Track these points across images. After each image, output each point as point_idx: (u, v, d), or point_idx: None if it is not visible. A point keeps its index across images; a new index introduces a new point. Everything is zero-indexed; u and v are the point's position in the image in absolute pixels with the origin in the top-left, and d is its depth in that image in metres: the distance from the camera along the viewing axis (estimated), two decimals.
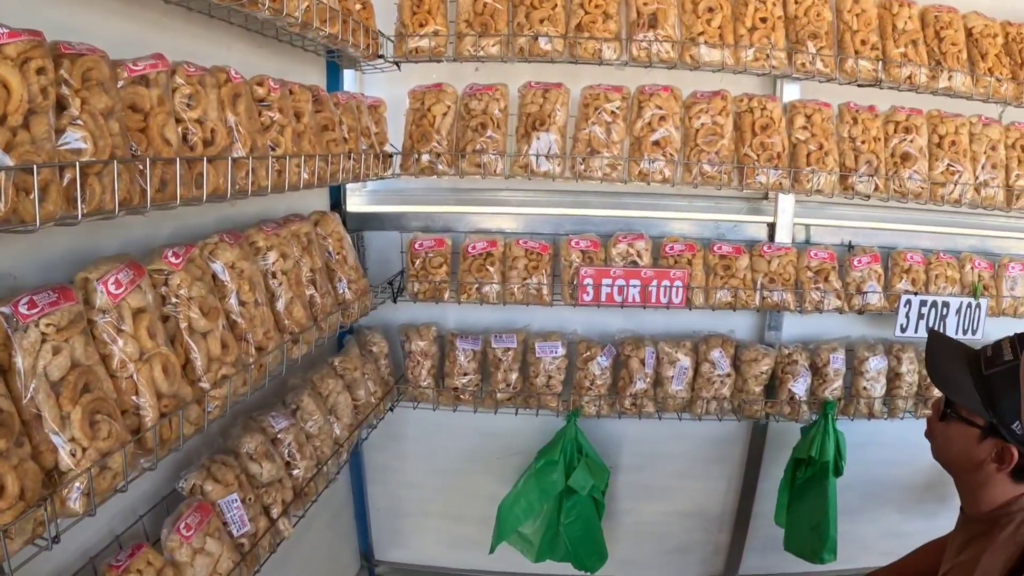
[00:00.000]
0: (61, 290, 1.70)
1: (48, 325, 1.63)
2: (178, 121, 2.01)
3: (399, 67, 3.83)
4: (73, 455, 1.63)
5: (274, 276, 2.63)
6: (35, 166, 1.45)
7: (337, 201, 4.09)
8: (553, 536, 4.01)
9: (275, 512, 2.69)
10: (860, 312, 3.93)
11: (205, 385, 2.11)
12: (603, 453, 4.12)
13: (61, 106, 1.62)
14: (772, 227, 4.10)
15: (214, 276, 2.30)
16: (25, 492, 1.50)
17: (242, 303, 2.35)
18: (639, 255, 3.80)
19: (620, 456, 4.42)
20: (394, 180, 3.84)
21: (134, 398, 1.84)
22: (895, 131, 3.78)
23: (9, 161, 1.42)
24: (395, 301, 3.97)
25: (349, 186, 4.11)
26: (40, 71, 1.54)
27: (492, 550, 4.09)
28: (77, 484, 1.64)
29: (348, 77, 4.07)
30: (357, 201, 4.28)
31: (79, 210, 1.58)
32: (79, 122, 1.61)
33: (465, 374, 4.05)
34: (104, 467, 1.70)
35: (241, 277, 2.38)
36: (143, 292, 1.92)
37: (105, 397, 1.72)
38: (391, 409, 4.06)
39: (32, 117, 1.51)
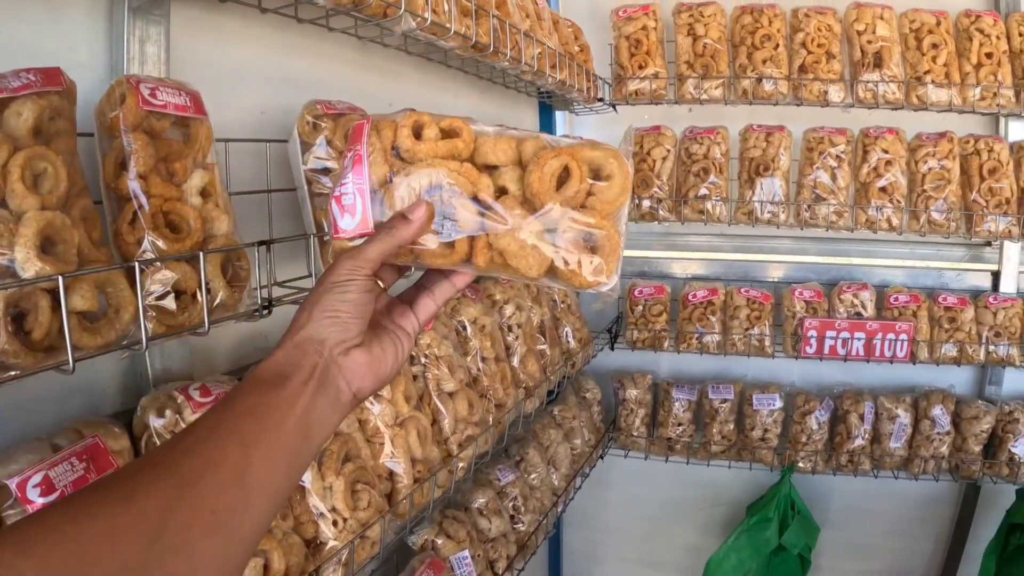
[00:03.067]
0: None
1: None
2: None
3: (615, 109, 3.78)
4: (335, 525, 1.60)
5: (510, 330, 2.62)
6: (310, 235, 1.42)
7: None
8: None
9: (500, 567, 2.65)
10: None
11: (452, 447, 2.09)
12: (811, 508, 3.97)
13: (325, 170, 1.59)
14: (996, 275, 3.86)
15: (457, 332, 2.29)
16: (289, 569, 1.48)
17: (483, 359, 2.34)
18: (863, 306, 3.66)
19: (827, 512, 4.23)
20: None
21: (388, 463, 1.81)
22: None
23: None
24: (612, 348, 3.92)
25: None
26: None
27: None
28: (336, 558, 1.60)
29: (559, 119, 4.06)
30: None
31: None
32: None
33: (679, 424, 3.96)
34: (363, 536, 1.66)
35: (483, 333, 2.37)
36: None
37: (365, 466, 1.69)
38: (602, 457, 4.01)
39: None
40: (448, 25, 1.91)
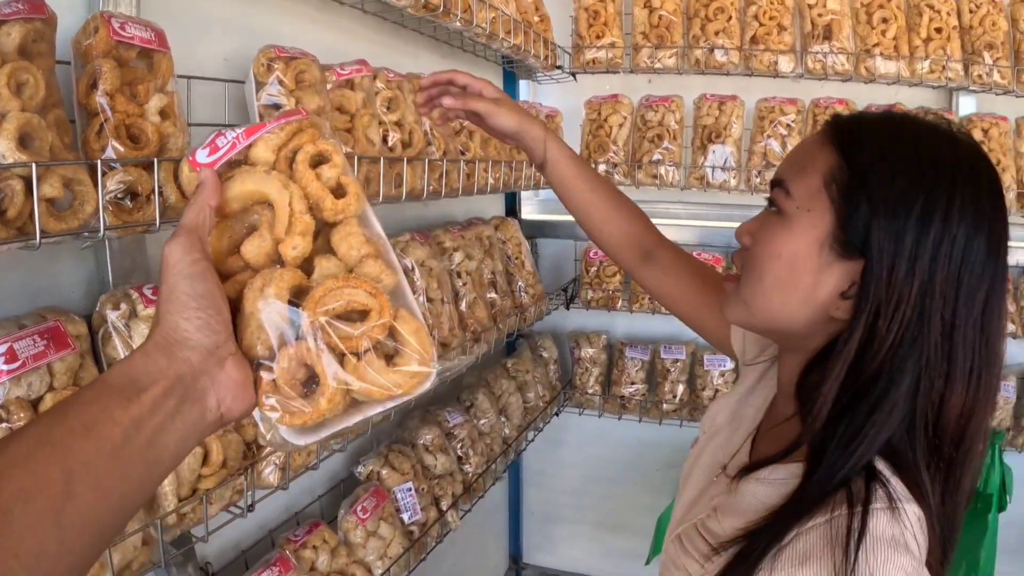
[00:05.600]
0: None
1: None
2: (379, 123, 2.11)
3: (575, 78, 3.88)
4: None
5: (459, 276, 2.72)
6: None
7: (512, 208, 4.17)
8: None
9: (444, 504, 2.75)
10: None
11: None
12: None
13: (276, 106, 1.73)
14: None
15: (404, 272, 2.37)
16: (227, 461, 1.62)
17: (429, 300, 2.44)
18: None
19: None
20: None
21: None
22: None
23: None
24: (568, 308, 3.99)
25: (523, 194, 4.19)
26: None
27: (648, 561, 4.01)
28: (274, 458, 1.75)
29: (523, 87, 4.16)
30: (530, 209, 4.35)
31: None
32: None
33: (632, 383, 4.04)
34: None
35: (430, 275, 2.46)
36: None
37: None
38: (557, 413, 4.08)
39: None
40: None
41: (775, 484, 1.21)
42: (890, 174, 1.13)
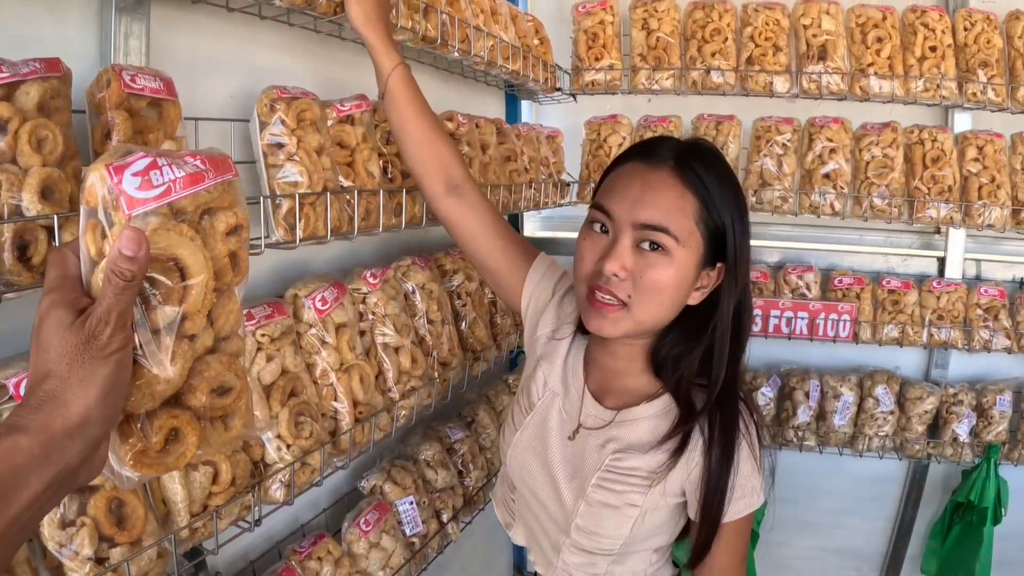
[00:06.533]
0: (275, 305, 1.92)
1: (263, 336, 1.86)
2: (379, 155, 2.22)
3: (575, 99, 3.94)
4: (279, 450, 1.85)
5: (459, 297, 2.81)
6: (263, 197, 1.67)
7: (515, 227, 4.15)
8: None
9: (445, 516, 2.83)
10: None
11: (395, 395, 2.29)
12: None
13: (279, 145, 1.84)
14: (942, 262, 3.99)
15: (406, 295, 2.49)
16: (236, 480, 1.72)
17: (430, 321, 2.54)
18: (808, 287, 3.81)
19: (777, 488, 4.20)
20: (568, 208, 3.91)
21: (333, 403, 2.05)
22: None
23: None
24: None
25: (526, 213, 4.25)
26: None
27: None
28: (280, 476, 1.86)
29: (525, 108, 4.21)
30: (533, 227, 4.40)
31: (296, 236, 1.82)
32: (296, 158, 1.84)
33: None
34: (304, 463, 1.91)
35: (430, 298, 2.56)
36: (345, 309, 2.13)
37: (308, 401, 1.94)
38: None
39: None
40: (395, 22, 2.12)
41: (659, 416, 1.72)
42: (729, 207, 1.63)
